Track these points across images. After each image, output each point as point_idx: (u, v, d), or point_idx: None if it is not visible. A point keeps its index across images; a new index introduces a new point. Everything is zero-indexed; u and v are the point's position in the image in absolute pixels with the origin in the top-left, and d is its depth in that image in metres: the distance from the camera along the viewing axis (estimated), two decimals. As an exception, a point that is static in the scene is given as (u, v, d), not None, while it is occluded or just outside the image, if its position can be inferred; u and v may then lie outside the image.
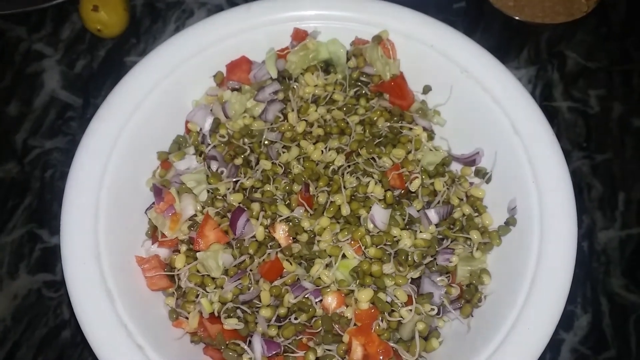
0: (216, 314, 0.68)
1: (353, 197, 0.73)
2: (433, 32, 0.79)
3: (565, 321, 0.82)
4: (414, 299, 0.67)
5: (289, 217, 0.71)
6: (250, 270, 0.69)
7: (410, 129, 0.78)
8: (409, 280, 0.69)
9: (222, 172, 0.75)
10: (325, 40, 0.82)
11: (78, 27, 1.04)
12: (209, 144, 0.78)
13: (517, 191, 0.72)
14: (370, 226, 0.70)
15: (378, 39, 0.79)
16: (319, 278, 0.68)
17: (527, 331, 0.63)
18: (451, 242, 0.73)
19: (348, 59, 0.82)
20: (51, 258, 0.86)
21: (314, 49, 0.81)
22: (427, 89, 0.82)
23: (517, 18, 0.99)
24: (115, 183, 0.71)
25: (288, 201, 0.73)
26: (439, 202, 0.75)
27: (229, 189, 0.74)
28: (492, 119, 0.75)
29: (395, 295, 0.67)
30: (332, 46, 0.81)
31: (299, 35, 0.81)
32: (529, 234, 0.69)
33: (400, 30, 0.80)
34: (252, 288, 0.68)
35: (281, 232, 0.71)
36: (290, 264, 0.69)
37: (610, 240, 0.88)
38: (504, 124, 0.74)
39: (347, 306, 0.67)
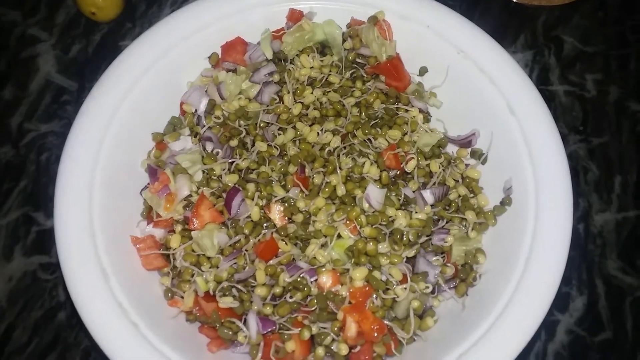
0: (211, 292, 0.67)
1: (349, 178, 0.72)
2: (429, 12, 0.79)
3: (561, 302, 0.82)
4: (408, 278, 0.67)
5: (284, 197, 0.71)
6: (246, 250, 0.69)
7: (407, 110, 0.78)
8: (404, 259, 0.69)
9: (217, 154, 0.75)
10: (321, 21, 0.81)
11: (73, 11, 1.03)
12: (204, 125, 0.77)
13: (513, 171, 0.72)
14: (366, 206, 0.70)
15: (374, 20, 0.79)
16: (314, 258, 0.68)
17: (521, 310, 0.63)
18: (446, 222, 0.73)
19: (344, 40, 0.81)
20: (47, 240, 0.85)
21: (309, 30, 0.80)
22: (423, 71, 0.82)
23: (514, 0, 0.98)
24: (109, 163, 0.71)
25: (284, 182, 0.72)
26: (434, 183, 0.74)
27: (224, 169, 0.73)
28: (488, 100, 0.75)
29: (390, 274, 0.67)
30: (328, 27, 0.81)
31: (295, 16, 0.81)
32: (524, 214, 0.69)
33: (397, 10, 0.79)
34: (247, 267, 0.68)
35: (277, 213, 0.70)
36: (286, 243, 0.69)
37: (607, 223, 0.88)
38: (500, 104, 0.74)
39: (341, 284, 0.66)
